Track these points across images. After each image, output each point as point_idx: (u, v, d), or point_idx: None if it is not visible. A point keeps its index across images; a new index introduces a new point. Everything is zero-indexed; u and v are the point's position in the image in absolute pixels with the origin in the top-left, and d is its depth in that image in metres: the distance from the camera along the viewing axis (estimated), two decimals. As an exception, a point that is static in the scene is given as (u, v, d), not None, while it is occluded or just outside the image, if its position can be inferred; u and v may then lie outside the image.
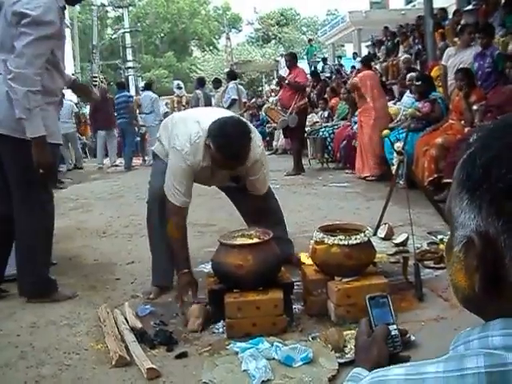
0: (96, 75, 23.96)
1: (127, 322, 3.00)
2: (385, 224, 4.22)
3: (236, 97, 11.06)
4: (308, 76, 11.90)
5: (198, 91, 12.73)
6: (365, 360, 1.22)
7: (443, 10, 12.61)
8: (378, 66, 13.46)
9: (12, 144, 3.33)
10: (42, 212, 3.49)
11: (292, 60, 9.69)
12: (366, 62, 8.81)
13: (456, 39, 9.30)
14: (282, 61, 25.70)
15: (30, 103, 3.19)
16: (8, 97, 3.25)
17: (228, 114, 3.52)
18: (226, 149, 3.04)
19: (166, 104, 15.68)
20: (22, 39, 3.17)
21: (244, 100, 11.77)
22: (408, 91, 8.47)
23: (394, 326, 1.31)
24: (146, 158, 13.47)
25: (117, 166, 13.02)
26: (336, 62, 21.38)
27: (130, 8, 39.13)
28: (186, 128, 3.27)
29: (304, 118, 9.48)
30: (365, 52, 20.06)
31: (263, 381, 2.36)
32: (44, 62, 3.28)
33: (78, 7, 42.88)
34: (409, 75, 8.94)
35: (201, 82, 13.53)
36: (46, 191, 3.53)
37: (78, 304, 3.48)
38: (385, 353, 1.24)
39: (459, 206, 0.76)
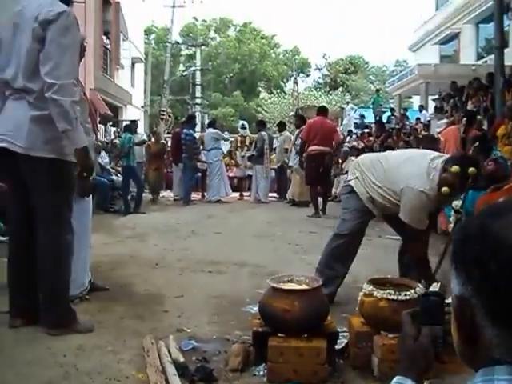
0: (164, 109, 24.72)
1: (170, 355, 3.02)
2: (437, 282, 4.12)
3: None
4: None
5: (264, 133, 13.09)
6: (410, 369, 1.19)
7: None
8: (445, 120, 13.33)
9: (46, 165, 3.33)
10: (65, 235, 3.47)
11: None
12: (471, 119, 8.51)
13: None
14: (348, 108, 25.85)
15: (75, 113, 3.24)
16: (33, 120, 3.29)
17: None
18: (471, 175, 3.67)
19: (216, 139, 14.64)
20: (56, 49, 3.20)
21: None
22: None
23: (440, 327, 1.27)
24: (205, 193, 13.70)
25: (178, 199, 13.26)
26: (400, 113, 21.31)
27: (203, 47, 40.36)
28: (416, 169, 3.81)
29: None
30: (431, 105, 19.90)
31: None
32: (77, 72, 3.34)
33: (153, 43, 44.70)
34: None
35: (262, 124, 13.92)
36: (70, 211, 3.54)
37: (125, 332, 3.54)
38: (431, 361, 1.22)
39: (451, 275, 0.94)
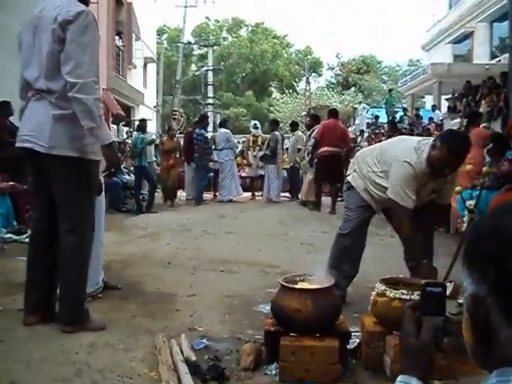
0: (176, 109, 24.80)
1: (182, 354, 3.03)
2: (450, 282, 4.09)
3: None
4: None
5: (277, 132, 13.10)
6: (413, 367, 1.16)
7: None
8: (458, 120, 13.27)
9: (68, 163, 3.37)
10: (87, 232, 3.52)
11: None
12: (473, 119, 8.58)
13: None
14: (360, 108, 25.74)
15: (99, 110, 3.28)
16: (55, 119, 3.33)
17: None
18: (459, 148, 3.73)
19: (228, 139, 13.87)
20: (76, 48, 3.24)
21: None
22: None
23: (441, 318, 1.22)
24: (217, 193, 13.70)
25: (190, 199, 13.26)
26: (413, 113, 21.22)
27: (215, 47, 40.40)
28: (406, 145, 3.96)
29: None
30: (444, 105, 19.78)
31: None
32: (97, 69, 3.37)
33: (165, 43, 44.83)
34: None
35: (275, 124, 13.90)
36: (92, 209, 3.59)
37: (137, 330, 3.55)
38: (433, 357, 1.19)
39: (463, 274, 0.92)
